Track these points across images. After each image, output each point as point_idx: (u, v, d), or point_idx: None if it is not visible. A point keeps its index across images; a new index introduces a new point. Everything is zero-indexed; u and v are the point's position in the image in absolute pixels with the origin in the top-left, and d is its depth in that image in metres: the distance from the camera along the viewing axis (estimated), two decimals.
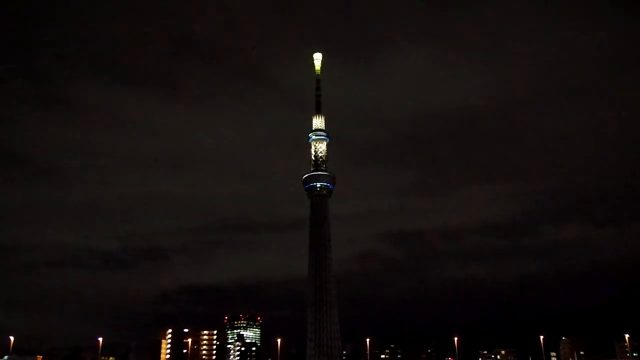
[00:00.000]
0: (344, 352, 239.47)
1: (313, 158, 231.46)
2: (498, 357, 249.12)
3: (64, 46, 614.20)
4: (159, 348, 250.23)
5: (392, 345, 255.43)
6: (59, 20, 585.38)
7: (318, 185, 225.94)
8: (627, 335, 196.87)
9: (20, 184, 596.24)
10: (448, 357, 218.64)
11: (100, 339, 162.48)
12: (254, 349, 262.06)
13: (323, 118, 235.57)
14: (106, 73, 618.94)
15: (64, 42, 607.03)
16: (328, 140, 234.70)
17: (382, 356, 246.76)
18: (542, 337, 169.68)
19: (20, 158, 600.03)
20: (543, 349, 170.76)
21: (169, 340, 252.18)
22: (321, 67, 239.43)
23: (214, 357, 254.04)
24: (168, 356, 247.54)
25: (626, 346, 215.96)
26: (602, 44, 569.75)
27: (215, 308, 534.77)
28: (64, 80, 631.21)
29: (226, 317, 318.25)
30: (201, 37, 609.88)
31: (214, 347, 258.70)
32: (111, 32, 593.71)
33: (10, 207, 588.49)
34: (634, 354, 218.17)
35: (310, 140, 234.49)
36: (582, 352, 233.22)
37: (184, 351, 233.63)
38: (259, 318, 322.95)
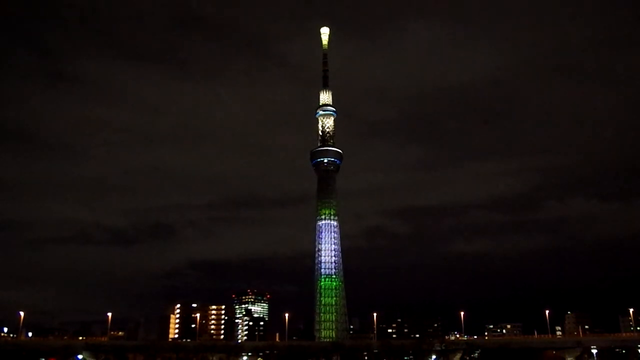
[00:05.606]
0: (351, 327, 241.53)
1: (320, 133, 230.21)
2: (504, 331, 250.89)
3: (70, 23, 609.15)
4: (168, 323, 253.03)
5: (399, 320, 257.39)
6: None
7: (325, 160, 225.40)
8: (631, 310, 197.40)
9: (27, 160, 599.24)
10: (454, 331, 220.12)
11: (110, 314, 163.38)
12: (261, 323, 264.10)
13: (330, 93, 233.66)
14: (112, 49, 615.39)
15: (70, 18, 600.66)
16: (335, 115, 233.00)
17: (389, 330, 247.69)
18: (547, 312, 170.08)
19: (28, 134, 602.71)
20: (548, 323, 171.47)
21: (178, 315, 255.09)
22: (328, 42, 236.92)
23: (222, 331, 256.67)
24: (177, 331, 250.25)
25: (630, 320, 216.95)
26: (612, 20, 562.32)
27: (223, 283, 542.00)
28: (71, 57, 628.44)
29: (234, 292, 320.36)
30: (206, 12, 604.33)
31: (222, 321, 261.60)
32: (117, 7, 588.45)
33: (19, 184, 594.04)
34: (638, 328, 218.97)
35: (317, 115, 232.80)
36: (586, 327, 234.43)
37: (193, 326, 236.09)
38: (266, 293, 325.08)
